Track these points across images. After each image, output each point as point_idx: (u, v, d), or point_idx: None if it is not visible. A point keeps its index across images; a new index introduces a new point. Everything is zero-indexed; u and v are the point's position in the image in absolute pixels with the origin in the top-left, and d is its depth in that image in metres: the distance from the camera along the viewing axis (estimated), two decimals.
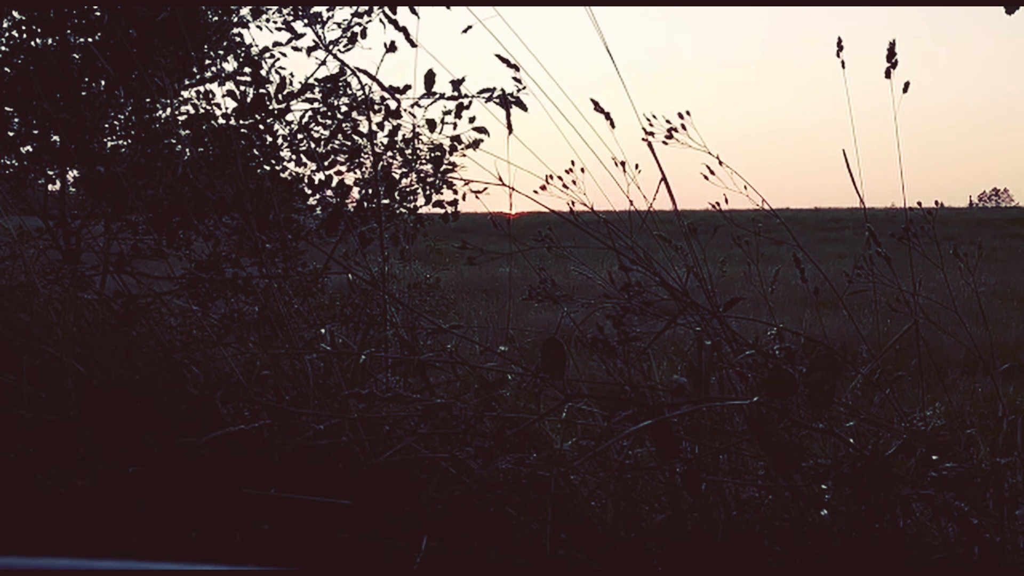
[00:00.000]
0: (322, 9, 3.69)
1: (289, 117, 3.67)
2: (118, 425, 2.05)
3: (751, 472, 1.83)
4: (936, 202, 1.98)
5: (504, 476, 1.83)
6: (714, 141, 1.93)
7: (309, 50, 3.68)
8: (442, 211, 3.90)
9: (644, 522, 1.73)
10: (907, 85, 1.80)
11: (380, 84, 3.07)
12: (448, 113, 3.43)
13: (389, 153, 3.60)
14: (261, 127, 3.61)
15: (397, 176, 3.70)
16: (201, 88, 4.39)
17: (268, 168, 3.74)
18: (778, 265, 2.23)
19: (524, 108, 2.69)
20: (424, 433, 1.90)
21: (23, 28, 4.26)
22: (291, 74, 3.88)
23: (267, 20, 4.23)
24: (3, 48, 4.27)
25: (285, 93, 3.60)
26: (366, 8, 3.69)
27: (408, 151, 3.66)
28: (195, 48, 4.28)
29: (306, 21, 3.76)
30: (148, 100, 4.30)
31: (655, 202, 2.00)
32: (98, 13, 4.20)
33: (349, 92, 3.61)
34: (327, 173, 3.68)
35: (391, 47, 3.02)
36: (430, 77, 3.18)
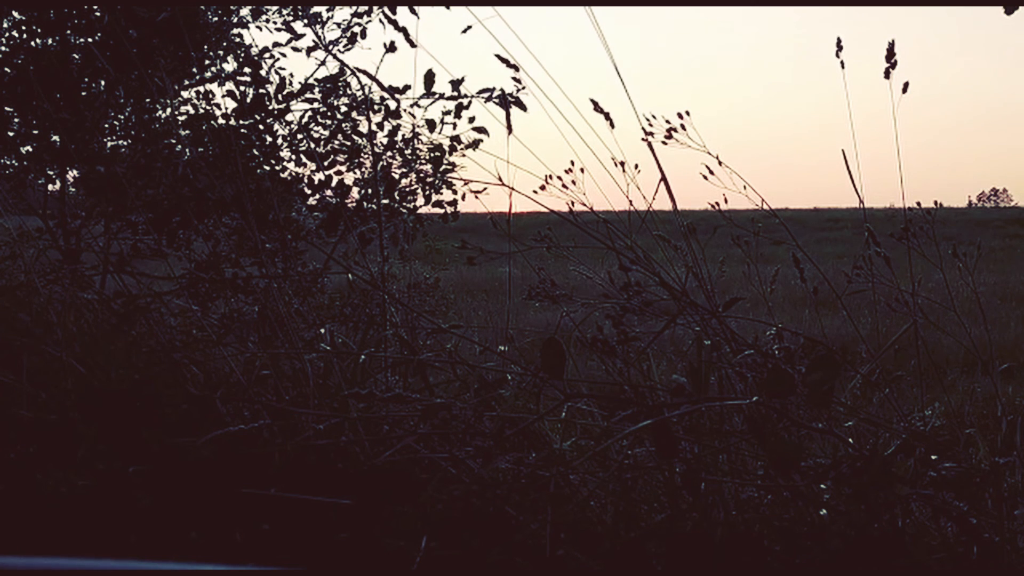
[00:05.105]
0: (322, 9, 3.69)
1: (289, 117, 3.68)
2: (118, 425, 2.06)
3: (750, 472, 1.83)
4: (935, 202, 1.98)
5: (504, 476, 1.83)
6: (714, 141, 1.93)
7: (309, 50, 3.69)
8: (442, 211, 3.90)
9: (644, 522, 1.73)
10: (906, 85, 1.80)
11: (380, 84, 3.07)
12: (448, 113, 3.43)
13: (389, 153, 3.60)
14: (261, 127, 3.61)
15: (397, 176, 3.70)
16: (201, 88, 4.39)
17: (268, 168, 3.74)
18: (777, 265, 2.23)
19: (524, 108, 2.69)
20: (424, 433, 1.90)
21: (23, 28, 4.26)
22: (291, 74, 3.87)
23: (267, 20, 4.23)
24: (3, 48, 4.27)
25: (285, 93, 3.60)
26: (366, 8, 3.69)
27: (408, 151, 3.66)
28: (195, 48, 4.28)
29: (306, 21, 3.76)
30: (148, 100, 4.30)
31: (654, 202, 2.01)
32: (98, 13, 4.20)
33: (349, 92, 3.61)
34: (327, 173, 3.68)
35: (391, 47, 3.02)
36: (430, 77, 3.18)
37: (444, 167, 3.70)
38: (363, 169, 3.69)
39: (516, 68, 2.04)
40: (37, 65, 4.09)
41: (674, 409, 1.68)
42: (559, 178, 2.05)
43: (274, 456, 1.90)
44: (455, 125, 3.47)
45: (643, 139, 2.02)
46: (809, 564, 1.60)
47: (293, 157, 3.78)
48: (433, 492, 1.76)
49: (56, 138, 4.26)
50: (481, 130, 3.50)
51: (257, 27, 4.33)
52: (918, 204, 2.00)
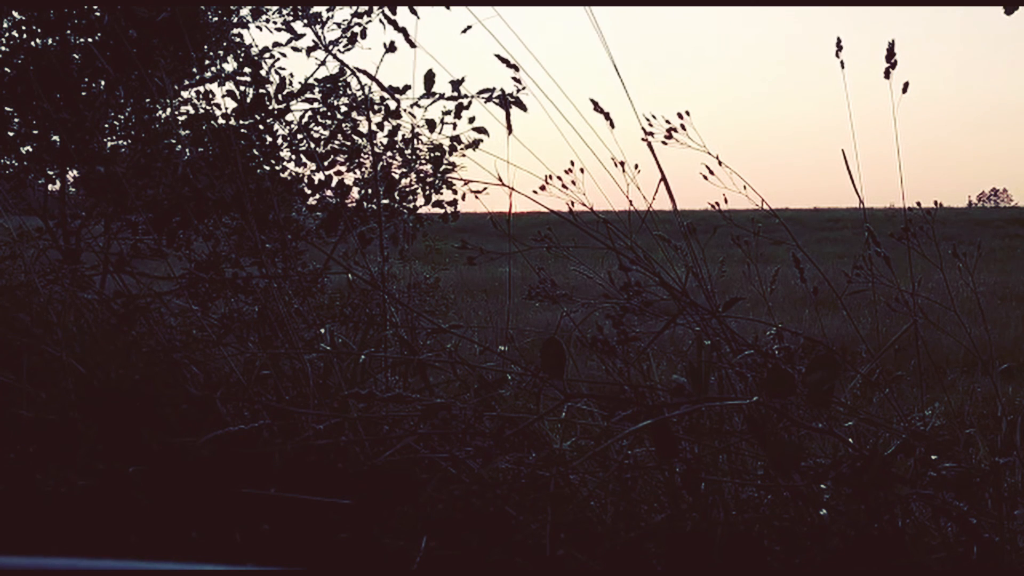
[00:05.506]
0: (322, 9, 3.69)
1: (289, 117, 3.68)
2: (118, 425, 2.06)
3: (750, 472, 1.83)
4: (935, 202, 1.98)
5: (504, 476, 1.83)
6: (714, 141, 1.93)
7: (309, 50, 3.69)
8: (442, 211, 3.90)
9: (644, 522, 1.73)
10: (906, 85, 1.80)
11: (380, 84, 3.07)
12: (448, 113, 3.44)
13: (389, 153, 3.60)
14: (261, 127, 3.61)
15: (397, 176, 3.70)
16: (201, 88, 4.39)
17: (268, 168, 3.74)
18: (777, 265, 2.23)
19: (524, 108, 2.69)
20: (424, 433, 1.90)
21: (23, 28, 4.26)
22: (291, 74, 3.88)
23: (267, 20, 4.24)
24: (3, 48, 4.27)
25: (285, 93, 3.60)
26: (366, 8, 3.69)
27: (408, 151, 3.66)
28: (195, 48, 4.28)
29: (306, 21, 3.76)
30: (148, 100, 4.30)
31: (655, 202, 2.01)
32: (98, 13, 4.20)
33: (349, 92, 3.62)
34: (327, 173, 3.69)
35: (391, 47, 3.02)
36: (430, 77, 3.18)
37: (444, 167, 3.70)
38: (363, 169, 3.70)
39: (516, 68, 2.04)
40: (37, 65, 4.09)
41: (674, 409, 1.68)
42: (559, 178, 2.04)
43: (274, 456, 1.90)
44: (455, 125, 3.47)
45: (643, 139, 2.02)
46: (809, 564, 1.60)
47: (293, 157, 3.79)
48: (433, 492, 1.76)
49: (56, 138, 4.26)
50: (481, 130, 3.50)
51: (257, 27, 4.34)
52: (918, 204, 2.00)
